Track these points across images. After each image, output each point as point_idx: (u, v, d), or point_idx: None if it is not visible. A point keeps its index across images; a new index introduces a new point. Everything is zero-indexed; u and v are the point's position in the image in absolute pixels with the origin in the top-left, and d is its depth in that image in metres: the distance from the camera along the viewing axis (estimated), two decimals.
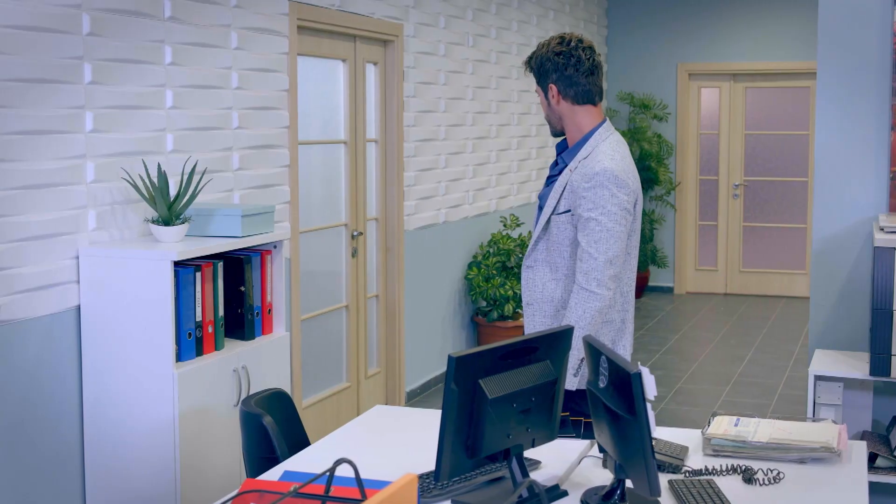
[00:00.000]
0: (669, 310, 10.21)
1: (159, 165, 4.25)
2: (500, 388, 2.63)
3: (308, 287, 5.92)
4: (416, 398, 7.03)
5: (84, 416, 4.09)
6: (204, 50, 4.76)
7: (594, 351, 2.77)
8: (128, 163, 4.29)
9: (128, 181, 4.23)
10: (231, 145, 4.98)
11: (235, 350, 4.28)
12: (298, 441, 3.39)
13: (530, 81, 8.64)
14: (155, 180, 4.24)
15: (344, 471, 2.84)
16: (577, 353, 3.32)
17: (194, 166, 4.25)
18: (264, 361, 4.44)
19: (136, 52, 4.33)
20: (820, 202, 4.86)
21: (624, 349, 3.51)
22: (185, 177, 4.45)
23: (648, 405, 2.48)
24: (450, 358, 2.52)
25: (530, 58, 3.53)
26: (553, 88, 3.46)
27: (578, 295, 3.34)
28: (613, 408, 2.59)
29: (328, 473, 2.10)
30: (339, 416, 6.29)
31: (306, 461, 3.06)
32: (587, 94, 3.45)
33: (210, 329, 4.18)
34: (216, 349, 4.22)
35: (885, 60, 4.72)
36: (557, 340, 2.82)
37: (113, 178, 4.22)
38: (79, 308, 4.05)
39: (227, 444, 4.22)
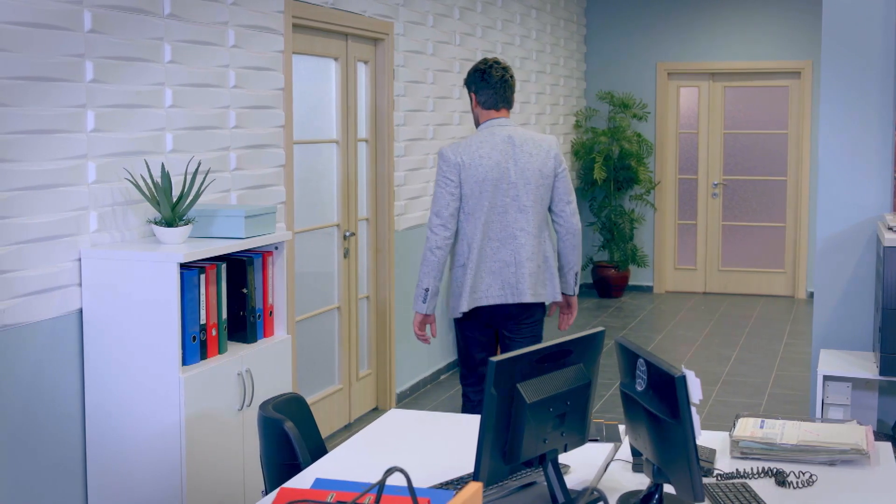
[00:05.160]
0: (650, 309, 10.20)
1: (163, 165, 4.16)
2: (538, 393, 2.58)
3: (300, 288, 5.84)
4: (405, 399, 6.96)
5: (86, 422, 3.99)
6: (202, 48, 4.67)
7: (629, 353, 2.73)
8: (128, 163, 4.20)
9: (130, 181, 4.14)
10: (228, 145, 4.89)
11: (239, 353, 4.20)
12: (316, 446, 3.32)
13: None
14: (158, 180, 4.15)
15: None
16: (421, 283, 4.55)
17: (198, 166, 4.17)
18: (267, 364, 4.36)
19: (137, 49, 4.24)
20: (824, 202, 4.84)
21: (471, 292, 4.50)
22: (189, 177, 4.36)
23: (693, 408, 2.44)
24: (490, 362, 2.48)
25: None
26: (472, 96, 4.62)
27: None
28: (654, 411, 2.54)
29: (379, 484, 2.04)
30: (331, 419, 6.22)
31: (332, 468, 2.99)
32: (492, 102, 4.59)
33: (214, 332, 4.10)
34: (220, 352, 4.14)
35: (888, 60, 4.72)
36: (590, 343, 2.78)
37: (114, 179, 4.12)
38: (81, 311, 3.96)
39: (232, 449, 4.14)
